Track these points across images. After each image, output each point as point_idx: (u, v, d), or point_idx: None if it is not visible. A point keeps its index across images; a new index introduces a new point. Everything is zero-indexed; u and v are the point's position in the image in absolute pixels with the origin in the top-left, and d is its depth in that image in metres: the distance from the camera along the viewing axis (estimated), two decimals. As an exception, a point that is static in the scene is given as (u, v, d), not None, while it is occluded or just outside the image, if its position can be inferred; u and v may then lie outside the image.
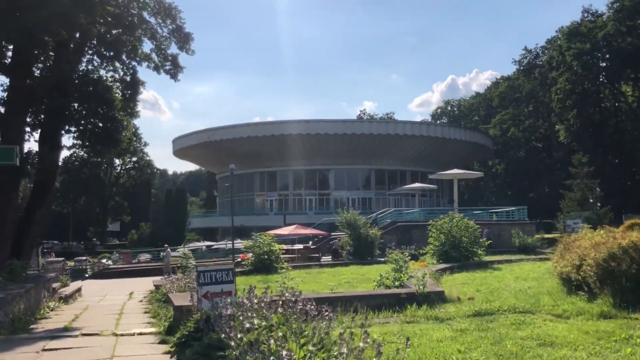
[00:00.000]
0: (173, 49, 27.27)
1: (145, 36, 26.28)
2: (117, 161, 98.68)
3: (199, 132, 72.77)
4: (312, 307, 6.03)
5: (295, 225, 34.80)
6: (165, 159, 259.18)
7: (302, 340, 5.16)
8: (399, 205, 60.61)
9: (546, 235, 37.37)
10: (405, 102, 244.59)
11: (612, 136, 66.72)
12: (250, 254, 34.57)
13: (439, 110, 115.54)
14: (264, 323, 5.92)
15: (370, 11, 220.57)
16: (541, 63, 79.08)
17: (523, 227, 35.60)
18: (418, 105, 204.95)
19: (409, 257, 29.19)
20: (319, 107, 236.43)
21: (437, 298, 11.52)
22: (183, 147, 75.81)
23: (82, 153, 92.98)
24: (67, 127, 21.22)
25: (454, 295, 12.05)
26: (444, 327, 9.05)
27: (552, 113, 70.29)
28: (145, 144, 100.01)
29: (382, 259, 28.81)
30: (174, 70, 26.64)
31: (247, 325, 5.69)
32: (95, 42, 24.15)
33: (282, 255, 24.72)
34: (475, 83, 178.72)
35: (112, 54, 23.86)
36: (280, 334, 5.10)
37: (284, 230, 31.96)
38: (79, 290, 21.55)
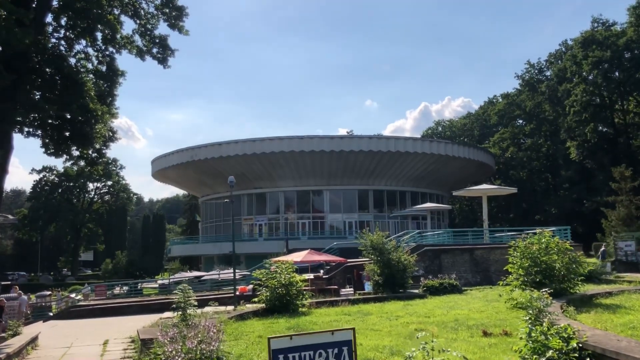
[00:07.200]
0: (162, 28, 21.84)
1: (126, 13, 20.93)
2: (90, 185, 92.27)
3: (181, 151, 66.53)
4: None
5: (307, 251, 29.14)
6: (140, 187, 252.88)
7: None
8: (400, 230, 55.27)
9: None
10: (379, 129, 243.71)
11: (625, 152, 62.56)
12: (250, 287, 29.07)
13: (429, 131, 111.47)
14: None
15: (344, 39, 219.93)
16: (544, 78, 75.13)
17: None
18: (392, 132, 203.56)
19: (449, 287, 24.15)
20: (295, 134, 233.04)
21: None
22: (163, 168, 69.40)
23: (52, 176, 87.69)
24: (19, 117, 15.55)
25: None
26: None
27: (561, 129, 65.82)
28: (121, 167, 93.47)
29: (417, 291, 23.65)
30: (162, 54, 21.24)
31: None
32: (66, 17, 18.71)
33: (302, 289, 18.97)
34: (448, 110, 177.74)
35: (83, 27, 18.33)
36: None
37: (297, 257, 26.37)
38: (33, 340, 15.72)
